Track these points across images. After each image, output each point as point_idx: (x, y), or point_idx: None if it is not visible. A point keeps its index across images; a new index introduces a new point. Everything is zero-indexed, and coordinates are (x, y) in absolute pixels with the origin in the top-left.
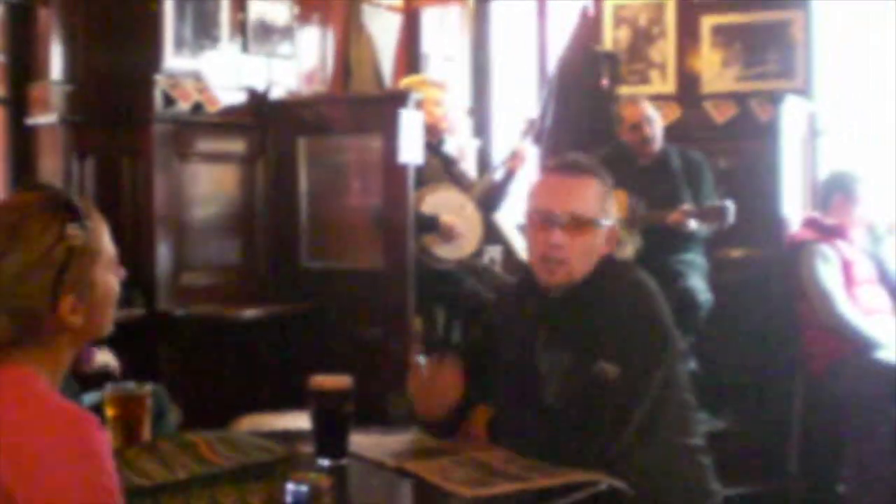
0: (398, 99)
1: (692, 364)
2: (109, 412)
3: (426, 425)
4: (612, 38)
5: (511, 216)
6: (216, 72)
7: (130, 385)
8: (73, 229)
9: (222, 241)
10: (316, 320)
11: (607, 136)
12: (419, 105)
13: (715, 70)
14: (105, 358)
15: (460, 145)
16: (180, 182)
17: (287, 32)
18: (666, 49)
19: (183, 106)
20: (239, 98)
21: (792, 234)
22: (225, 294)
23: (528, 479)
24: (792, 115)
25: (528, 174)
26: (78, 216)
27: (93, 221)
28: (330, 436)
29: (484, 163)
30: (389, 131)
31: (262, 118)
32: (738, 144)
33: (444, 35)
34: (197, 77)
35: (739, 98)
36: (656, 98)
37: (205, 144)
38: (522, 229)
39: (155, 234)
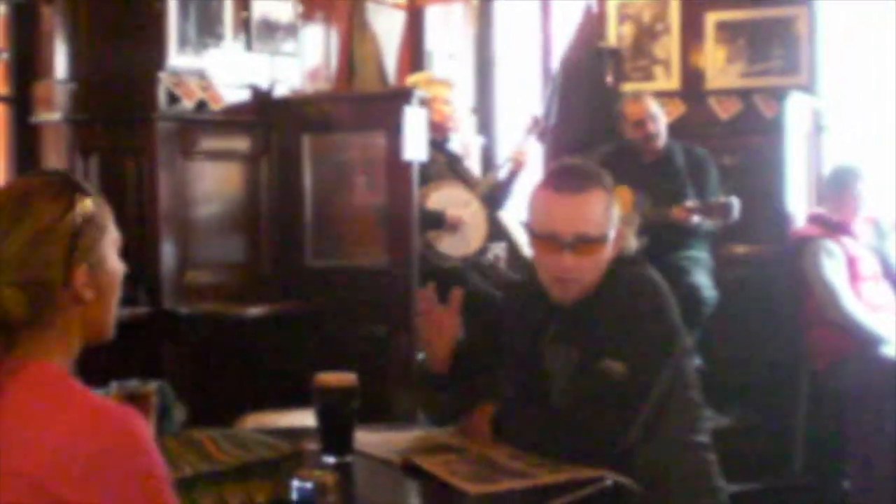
0: (402, 96)
1: (697, 360)
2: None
3: (432, 379)
4: (615, 34)
5: (515, 213)
6: (220, 70)
7: (135, 383)
8: (82, 199)
9: (227, 239)
10: (320, 318)
11: (611, 133)
12: (425, 103)
13: (719, 66)
14: None
15: (464, 143)
16: (184, 180)
17: (291, 30)
18: (670, 45)
19: (187, 104)
20: (243, 96)
21: (796, 230)
22: (229, 292)
23: (533, 475)
24: (796, 112)
25: (533, 171)
26: (83, 188)
27: (99, 198)
28: (335, 433)
29: (488, 160)
30: (393, 128)
31: (266, 116)
32: (742, 141)
33: (448, 32)
34: (201, 75)
35: (744, 94)
36: (660, 95)
37: (209, 142)
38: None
39: (159, 233)
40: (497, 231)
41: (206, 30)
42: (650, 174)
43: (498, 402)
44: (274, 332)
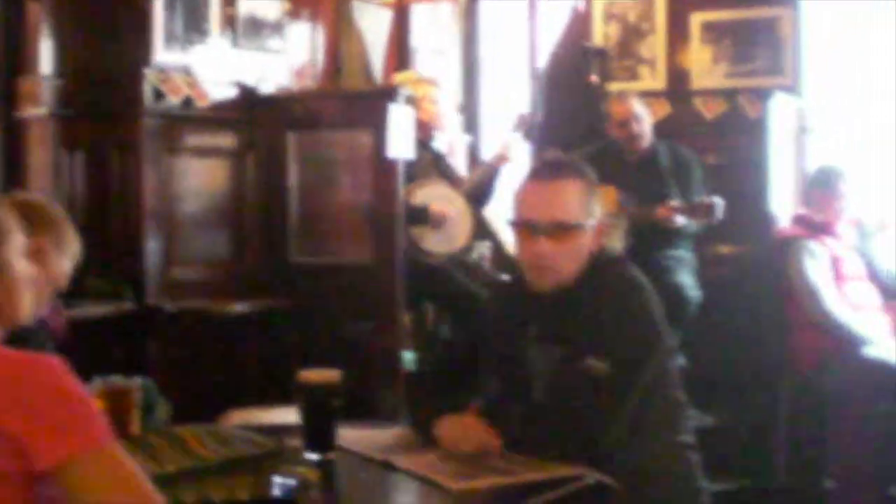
0: (388, 94)
1: (681, 360)
2: (98, 406)
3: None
4: (602, 34)
5: (501, 211)
6: (206, 66)
7: (118, 380)
8: None
9: (212, 235)
10: (305, 315)
11: (597, 132)
12: (411, 101)
13: (704, 66)
14: None
15: (450, 141)
16: (170, 176)
17: (277, 27)
18: (656, 45)
19: (173, 100)
20: (229, 93)
21: (780, 231)
22: (214, 288)
23: (515, 472)
24: (780, 112)
25: (519, 169)
26: None
27: (3, 209)
28: (318, 430)
29: (474, 158)
30: (379, 126)
31: (251, 113)
32: (727, 141)
33: (434, 30)
34: (187, 71)
35: (729, 94)
36: (646, 94)
37: (194, 139)
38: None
39: (144, 229)
40: (483, 229)
41: (193, 26)
42: (635, 173)
43: (483, 400)
44: (258, 329)
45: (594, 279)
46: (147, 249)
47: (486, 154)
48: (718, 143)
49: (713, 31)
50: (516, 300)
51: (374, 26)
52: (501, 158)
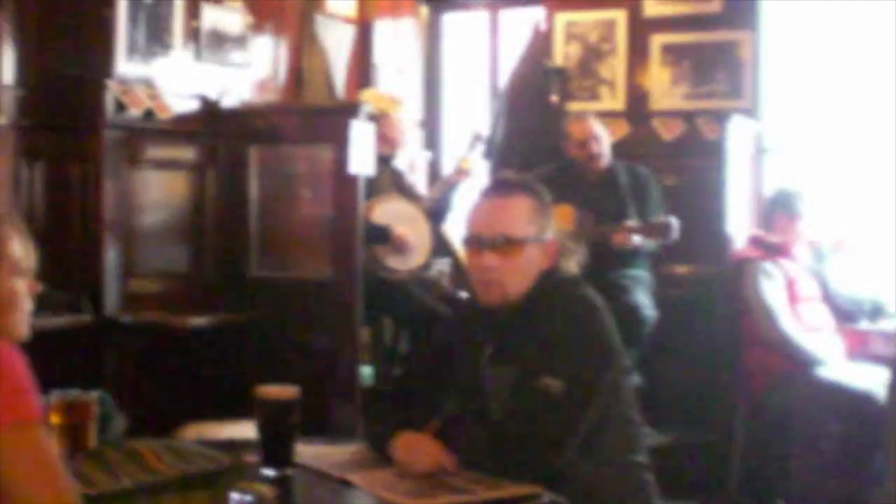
0: (350, 110)
1: (636, 378)
2: (54, 419)
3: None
4: (562, 53)
5: (459, 229)
6: (168, 79)
7: (76, 393)
8: None
9: (171, 248)
10: (263, 329)
11: (557, 151)
12: (377, 119)
13: (664, 88)
14: None
15: (411, 158)
16: (130, 188)
17: (240, 41)
18: (616, 66)
19: (134, 112)
20: (191, 105)
21: (737, 252)
22: (172, 301)
23: (471, 491)
24: (738, 135)
25: (477, 186)
26: None
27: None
28: (275, 446)
29: (434, 175)
30: (340, 142)
31: (213, 126)
32: (685, 162)
33: (396, 47)
34: (149, 84)
35: (687, 116)
36: (605, 114)
37: (155, 151)
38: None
39: (103, 240)
40: (441, 246)
41: (156, 38)
42: (593, 192)
43: (440, 418)
44: (216, 342)
45: (547, 298)
46: (105, 261)
47: (447, 171)
48: (676, 164)
49: (673, 54)
50: (473, 319)
51: (336, 42)
52: (459, 174)
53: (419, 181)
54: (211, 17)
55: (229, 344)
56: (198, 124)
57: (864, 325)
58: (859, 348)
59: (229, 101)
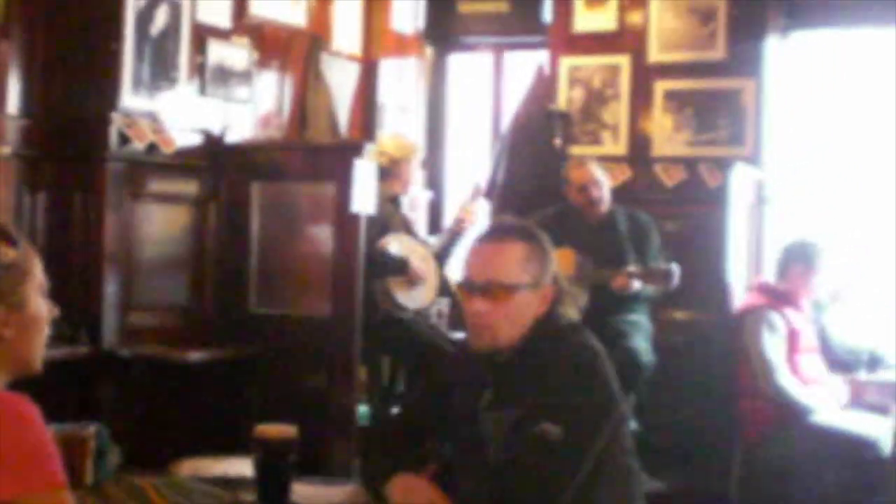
0: (353, 148)
1: (633, 424)
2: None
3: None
4: (566, 97)
5: (457, 272)
6: (172, 113)
7: (73, 427)
8: (5, 246)
9: (171, 282)
10: (262, 366)
11: (558, 194)
12: (396, 161)
13: (666, 134)
14: None
15: (412, 196)
16: (132, 221)
17: (245, 77)
18: (619, 111)
19: (138, 145)
20: (194, 140)
21: (743, 299)
22: (171, 335)
23: None
24: (740, 182)
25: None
26: (11, 237)
27: (25, 246)
28: (273, 484)
29: (435, 215)
30: (343, 180)
31: (216, 161)
32: (686, 209)
33: (401, 86)
34: (153, 117)
35: (689, 163)
36: (607, 159)
37: (158, 185)
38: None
39: (104, 272)
40: (443, 287)
41: (161, 72)
42: (593, 237)
43: (438, 462)
44: (214, 378)
45: (545, 343)
46: (105, 293)
47: (448, 210)
48: (678, 211)
49: (676, 100)
50: (472, 362)
51: (341, 80)
52: (461, 223)
53: (419, 219)
54: (217, 53)
55: (227, 379)
56: (201, 159)
57: (861, 374)
58: (855, 398)
59: (233, 136)
